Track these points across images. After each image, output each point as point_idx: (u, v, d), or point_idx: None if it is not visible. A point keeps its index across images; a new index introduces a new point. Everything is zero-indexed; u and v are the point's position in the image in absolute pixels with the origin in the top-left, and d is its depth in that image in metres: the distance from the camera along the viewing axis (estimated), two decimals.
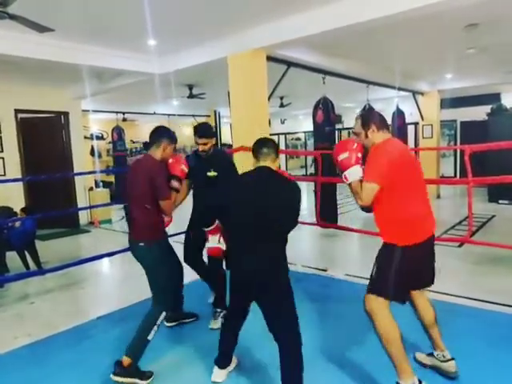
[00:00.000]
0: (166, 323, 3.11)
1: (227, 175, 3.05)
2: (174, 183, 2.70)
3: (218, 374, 2.47)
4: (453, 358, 2.37)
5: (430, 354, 2.46)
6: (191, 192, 3.38)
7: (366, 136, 2.27)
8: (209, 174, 3.09)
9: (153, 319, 2.56)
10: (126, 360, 2.46)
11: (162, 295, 2.64)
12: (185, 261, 3.43)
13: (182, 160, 2.80)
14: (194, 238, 3.35)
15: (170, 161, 2.73)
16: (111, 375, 2.44)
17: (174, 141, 2.75)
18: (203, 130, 3.14)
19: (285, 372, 2.14)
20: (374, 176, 2.11)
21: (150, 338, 2.52)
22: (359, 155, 2.24)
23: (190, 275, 4.10)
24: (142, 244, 2.60)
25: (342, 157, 2.25)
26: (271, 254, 2.16)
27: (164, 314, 2.59)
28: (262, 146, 2.29)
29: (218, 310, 3.29)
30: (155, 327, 2.54)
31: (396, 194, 2.13)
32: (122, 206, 9.48)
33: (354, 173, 2.21)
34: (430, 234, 2.21)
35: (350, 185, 2.23)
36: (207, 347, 2.76)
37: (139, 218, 2.62)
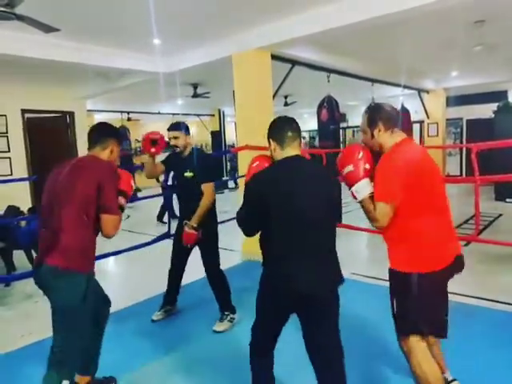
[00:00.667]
0: None
1: (204, 177, 2.99)
2: (122, 200, 2.12)
3: None
4: (455, 379, 2.14)
5: None
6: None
7: (372, 136, 1.93)
8: (185, 174, 3.08)
9: None
10: None
11: (66, 353, 1.97)
12: (170, 271, 3.40)
13: (129, 174, 2.32)
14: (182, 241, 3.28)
15: (119, 172, 2.20)
16: None
17: (121, 142, 2.32)
18: (174, 124, 3.19)
19: None
20: (389, 193, 1.77)
21: None
22: (367, 166, 1.87)
23: (191, 275, 4.11)
24: (64, 272, 1.91)
25: (347, 170, 1.89)
26: (331, 259, 1.82)
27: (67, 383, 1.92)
28: (287, 128, 1.82)
29: (226, 313, 3.21)
30: None
31: (412, 210, 1.79)
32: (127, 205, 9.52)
33: (362, 189, 1.85)
34: (453, 259, 1.85)
35: (360, 202, 1.88)
36: (210, 350, 2.77)
37: (68, 235, 1.91)
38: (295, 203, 1.72)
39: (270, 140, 1.87)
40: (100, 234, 2.02)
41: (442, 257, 1.82)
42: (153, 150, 3.16)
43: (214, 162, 3.29)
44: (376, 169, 1.86)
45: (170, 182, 7.15)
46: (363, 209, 1.88)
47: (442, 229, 1.85)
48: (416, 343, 1.83)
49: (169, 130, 3.16)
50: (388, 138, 1.90)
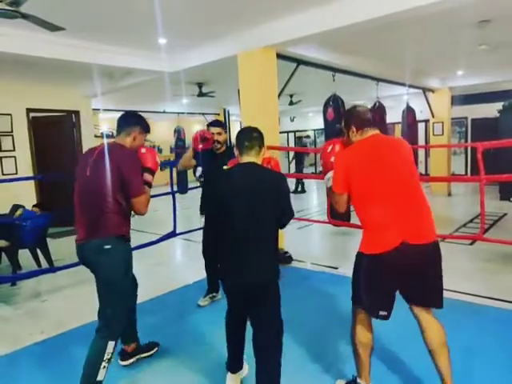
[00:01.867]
0: (120, 362, 2.65)
1: None
2: (148, 177, 2.34)
3: (232, 380, 2.32)
4: None
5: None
6: None
7: (348, 135, 2.17)
8: (225, 167, 3.12)
9: (101, 352, 2.10)
10: None
11: (115, 316, 2.20)
12: (206, 265, 3.51)
13: (155, 151, 2.55)
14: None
15: (143, 151, 2.40)
16: None
17: (146, 130, 2.44)
18: (217, 121, 3.48)
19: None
20: (337, 184, 2.07)
21: (100, 378, 2.07)
22: (332, 159, 2.16)
23: (194, 275, 4.11)
24: (107, 247, 2.17)
25: (321, 163, 2.30)
26: (268, 258, 2.04)
27: (113, 343, 2.15)
28: (244, 138, 2.12)
29: None
30: (104, 363, 2.08)
31: (357, 199, 2.03)
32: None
33: (327, 180, 2.16)
34: (401, 242, 1.88)
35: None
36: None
37: (109, 214, 2.18)
38: (238, 204, 1.98)
39: (235, 147, 2.16)
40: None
41: (384, 241, 1.91)
42: (200, 145, 3.38)
43: None
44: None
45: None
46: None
47: (388, 215, 1.93)
48: (357, 313, 2.08)
49: (213, 125, 3.43)
50: (359, 137, 2.11)
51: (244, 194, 1.99)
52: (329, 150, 2.22)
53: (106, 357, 2.10)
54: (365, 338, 2.08)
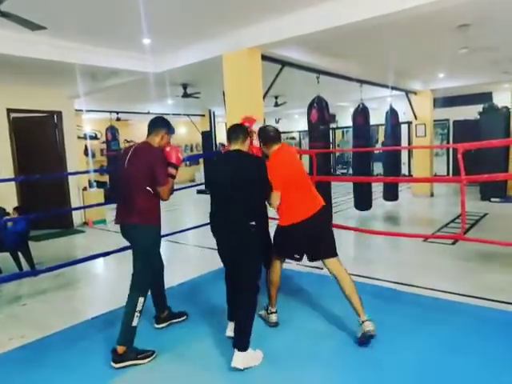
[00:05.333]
0: (155, 325, 3.20)
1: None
2: (172, 170, 2.86)
3: (232, 328, 2.79)
4: (369, 320, 2.73)
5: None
6: None
7: (261, 148, 3.08)
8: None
9: (132, 305, 2.67)
10: (120, 348, 2.63)
11: (142, 278, 2.77)
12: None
13: (178, 149, 3.01)
14: None
15: (167, 149, 2.87)
16: (111, 363, 2.61)
17: (171, 131, 2.96)
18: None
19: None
20: (276, 186, 2.81)
21: (134, 324, 2.65)
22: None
23: (178, 278, 4.09)
24: (141, 225, 2.74)
25: None
26: (242, 224, 2.60)
27: (142, 299, 2.69)
28: (231, 132, 2.81)
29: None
30: (137, 313, 2.66)
31: (284, 191, 2.86)
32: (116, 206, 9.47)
33: None
34: (310, 214, 2.86)
35: None
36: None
37: (139, 200, 2.73)
38: (219, 181, 2.70)
39: (226, 139, 2.85)
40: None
41: (296, 216, 2.87)
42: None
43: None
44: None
45: None
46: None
47: (300, 198, 2.90)
48: (275, 261, 3.08)
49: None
50: (268, 150, 3.02)
51: (227, 172, 2.66)
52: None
53: (138, 308, 2.66)
54: (275, 278, 3.09)
